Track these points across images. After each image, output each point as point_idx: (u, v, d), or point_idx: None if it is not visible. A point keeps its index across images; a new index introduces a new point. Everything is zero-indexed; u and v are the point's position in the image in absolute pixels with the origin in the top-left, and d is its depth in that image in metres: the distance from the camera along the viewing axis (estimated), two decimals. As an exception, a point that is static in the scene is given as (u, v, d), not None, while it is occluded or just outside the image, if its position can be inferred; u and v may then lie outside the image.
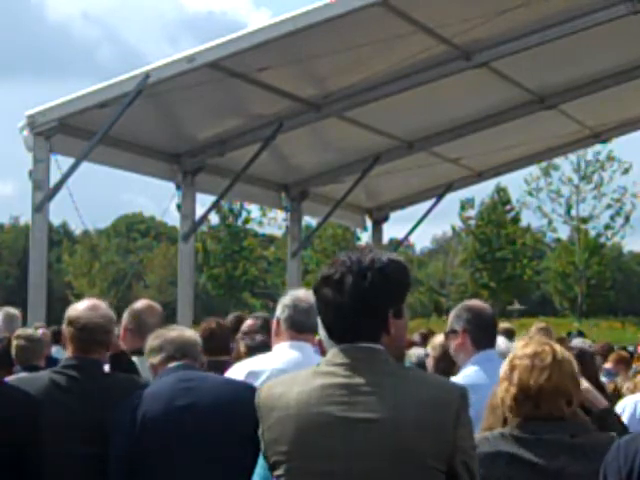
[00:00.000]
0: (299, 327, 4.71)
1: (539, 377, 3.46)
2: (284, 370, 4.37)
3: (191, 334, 4.47)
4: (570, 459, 3.39)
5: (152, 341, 4.38)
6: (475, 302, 5.22)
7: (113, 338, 4.60)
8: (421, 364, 6.89)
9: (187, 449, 4.06)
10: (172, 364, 4.25)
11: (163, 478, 4.10)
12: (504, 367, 3.55)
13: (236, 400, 4.05)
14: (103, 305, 4.54)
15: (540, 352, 3.50)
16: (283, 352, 4.69)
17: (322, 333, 3.05)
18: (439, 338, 6.55)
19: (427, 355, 6.46)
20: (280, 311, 4.76)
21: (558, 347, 3.57)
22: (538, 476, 3.39)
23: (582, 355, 6.08)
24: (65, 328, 4.48)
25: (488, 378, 4.54)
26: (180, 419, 4.09)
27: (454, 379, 4.96)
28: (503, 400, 3.52)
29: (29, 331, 7.36)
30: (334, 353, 2.91)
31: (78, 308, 4.47)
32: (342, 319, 2.91)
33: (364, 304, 2.89)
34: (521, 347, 3.57)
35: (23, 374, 6.05)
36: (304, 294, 4.79)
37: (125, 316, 5.30)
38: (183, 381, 4.17)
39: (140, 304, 5.35)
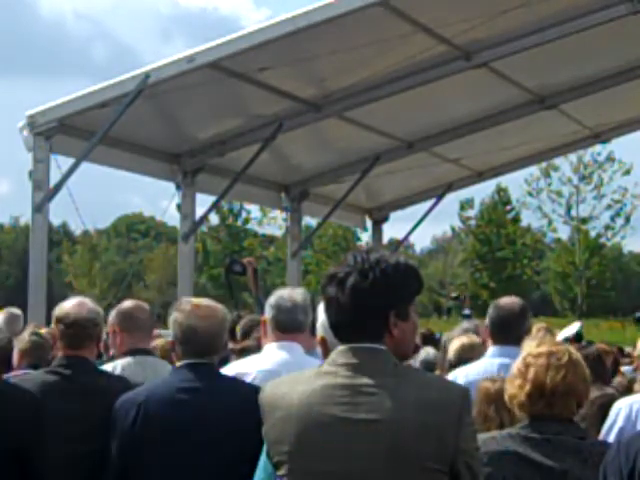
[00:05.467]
0: (284, 327, 4.71)
1: (555, 376, 3.47)
2: (271, 371, 4.37)
3: (220, 322, 4.21)
4: (577, 461, 3.39)
5: (179, 325, 4.16)
6: (503, 299, 5.29)
7: (102, 332, 4.59)
8: (426, 363, 6.92)
9: (187, 450, 4.05)
10: (185, 361, 4.20)
11: (160, 477, 4.09)
12: (517, 365, 3.54)
13: (241, 402, 4.03)
14: (89, 301, 4.58)
15: (556, 351, 3.52)
16: (271, 353, 4.70)
17: (328, 332, 3.05)
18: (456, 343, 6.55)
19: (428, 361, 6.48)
20: (266, 312, 4.78)
21: (571, 348, 3.59)
22: (545, 476, 3.39)
23: (590, 357, 6.09)
24: (55, 327, 4.51)
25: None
26: (181, 419, 4.08)
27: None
28: (514, 397, 3.51)
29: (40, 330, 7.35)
30: (337, 353, 2.92)
31: (65, 306, 4.51)
32: (344, 318, 2.92)
33: (363, 304, 2.89)
34: (535, 346, 3.57)
35: (23, 372, 6.07)
36: (288, 293, 4.79)
37: (115, 318, 5.18)
38: (188, 381, 4.14)
39: (128, 303, 5.28)
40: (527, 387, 3.47)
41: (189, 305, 4.23)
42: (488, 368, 5.06)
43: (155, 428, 4.07)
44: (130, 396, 4.18)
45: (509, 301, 5.25)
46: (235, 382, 4.35)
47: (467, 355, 6.21)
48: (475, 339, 6.53)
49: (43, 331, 7.49)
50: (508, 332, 5.11)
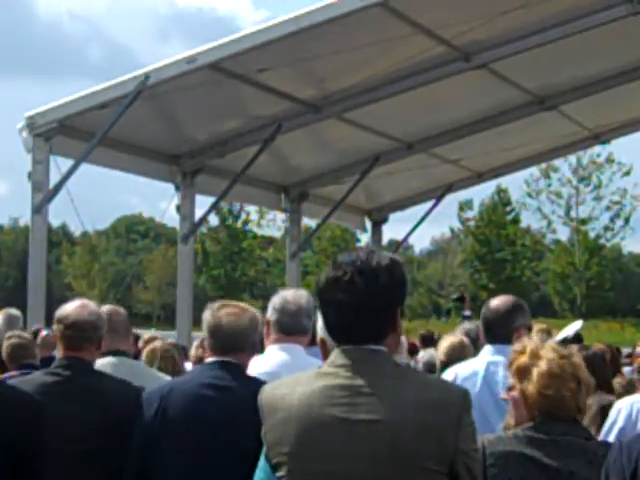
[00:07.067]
0: (287, 330, 4.70)
1: (588, 373, 3.51)
2: (271, 373, 4.35)
3: (247, 321, 4.23)
4: (582, 462, 3.38)
5: (208, 322, 4.20)
6: (493, 299, 5.33)
7: (102, 336, 4.60)
8: (429, 365, 6.93)
9: (204, 453, 4.04)
10: (213, 358, 4.20)
11: (177, 478, 4.09)
12: (560, 363, 3.47)
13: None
14: (92, 304, 4.61)
15: (574, 352, 3.54)
16: (272, 354, 4.69)
17: (327, 336, 3.03)
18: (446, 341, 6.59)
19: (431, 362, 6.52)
20: (269, 313, 4.76)
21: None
22: (551, 478, 3.38)
23: (593, 358, 6.09)
24: (55, 328, 4.53)
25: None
26: (201, 423, 4.07)
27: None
28: (564, 397, 3.45)
29: (19, 331, 7.40)
30: (336, 354, 2.91)
31: (67, 307, 4.53)
32: (353, 320, 2.89)
33: (378, 304, 2.88)
34: (558, 346, 3.55)
35: (13, 373, 6.09)
36: (293, 296, 4.77)
37: None
38: (213, 385, 4.13)
39: (105, 308, 5.37)
40: (572, 384, 3.44)
41: (219, 304, 4.30)
42: (476, 367, 5.11)
43: (172, 429, 4.07)
44: (155, 389, 4.22)
45: (496, 301, 5.30)
46: (259, 382, 4.34)
47: (457, 354, 6.24)
48: (464, 338, 6.57)
49: (44, 333, 7.52)
50: (495, 331, 5.17)
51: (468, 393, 2.90)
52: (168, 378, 5.34)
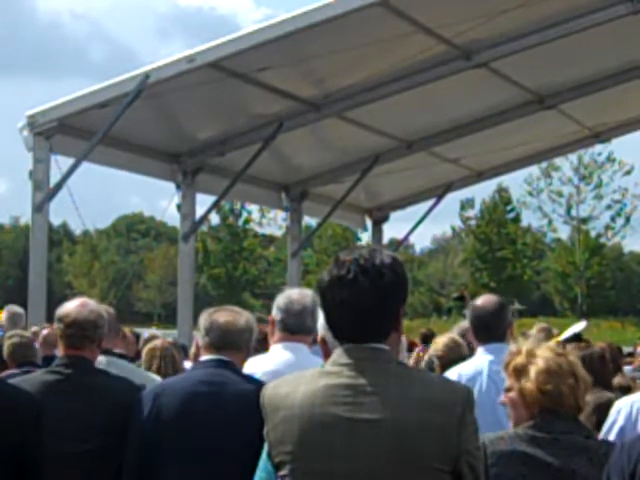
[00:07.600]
0: (292, 329, 4.71)
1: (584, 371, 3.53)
2: (275, 372, 4.35)
3: (243, 321, 4.31)
4: (584, 461, 3.38)
5: (205, 320, 4.29)
6: (478, 300, 5.32)
7: (103, 335, 4.61)
8: (430, 363, 6.96)
9: (201, 451, 4.04)
10: (207, 357, 4.23)
11: (173, 476, 4.09)
12: (557, 360, 3.48)
13: (255, 408, 4.03)
14: (92, 302, 4.62)
15: (570, 350, 3.56)
16: (276, 353, 4.70)
17: (328, 334, 3.02)
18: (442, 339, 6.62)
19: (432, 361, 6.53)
20: (274, 313, 4.77)
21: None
22: (553, 476, 3.38)
23: (592, 356, 6.07)
24: (55, 326, 4.54)
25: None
26: (196, 421, 4.08)
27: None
28: (563, 394, 3.46)
29: (20, 330, 7.43)
30: (339, 353, 2.89)
31: (67, 306, 4.54)
32: (358, 319, 2.87)
33: (383, 303, 2.86)
34: (556, 346, 3.56)
35: (14, 371, 6.11)
36: (298, 296, 4.77)
37: None
38: (206, 382, 4.15)
39: None
40: (570, 380, 3.45)
41: (215, 308, 4.39)
42: (480, 366, 5.11)
43: (170, 419, 4.08)
44: (149, 389, 4.25)
45: (483, 301, 5.30)
46: (254, 387, 4.34)
47: (452, 353, 6.26)
48: (456, 337, 6.59)
49: (48, 330, 7.55)
50: (488, 331, 5.17)
51: (471, 392, 2.89)
52: (158, 378, 5.35)
